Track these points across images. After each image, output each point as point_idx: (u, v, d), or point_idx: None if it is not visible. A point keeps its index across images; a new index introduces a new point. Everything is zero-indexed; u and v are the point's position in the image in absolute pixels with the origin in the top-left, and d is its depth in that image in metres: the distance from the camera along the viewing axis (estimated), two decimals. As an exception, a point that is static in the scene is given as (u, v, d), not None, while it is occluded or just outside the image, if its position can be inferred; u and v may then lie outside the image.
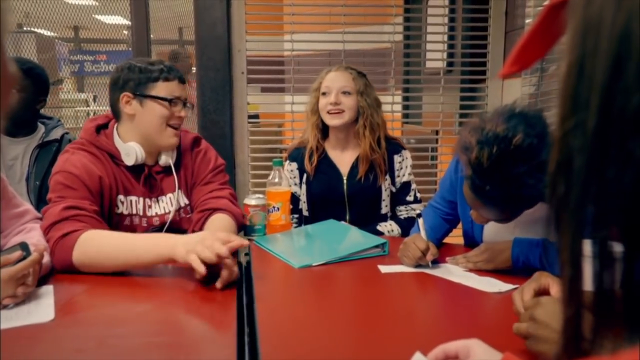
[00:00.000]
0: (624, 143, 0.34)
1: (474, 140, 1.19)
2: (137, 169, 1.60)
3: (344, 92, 1.93)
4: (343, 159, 2.01)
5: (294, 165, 2.04)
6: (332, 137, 2.02)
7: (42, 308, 1.13)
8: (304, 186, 2.02)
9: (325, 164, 2.01)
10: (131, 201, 1.60)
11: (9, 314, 1.09)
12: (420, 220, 1.49)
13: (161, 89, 1.56)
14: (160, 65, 1.58)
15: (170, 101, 1.57)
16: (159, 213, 1.63)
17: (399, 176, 2.01)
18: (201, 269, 1.19)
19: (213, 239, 1.25)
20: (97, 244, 1.35)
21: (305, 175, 2.01)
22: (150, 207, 1.62)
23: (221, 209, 1.59)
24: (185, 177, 1.68)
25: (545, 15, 0.45)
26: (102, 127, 1.63)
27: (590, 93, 0.36)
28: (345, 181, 1.99)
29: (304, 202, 2.03)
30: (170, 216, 1.62)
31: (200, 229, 1.56)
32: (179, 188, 1.66)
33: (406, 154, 2.03)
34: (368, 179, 1.96)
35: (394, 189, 2.01)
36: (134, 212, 1.60)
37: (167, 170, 1.65)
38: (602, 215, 0.37)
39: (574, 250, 0.39)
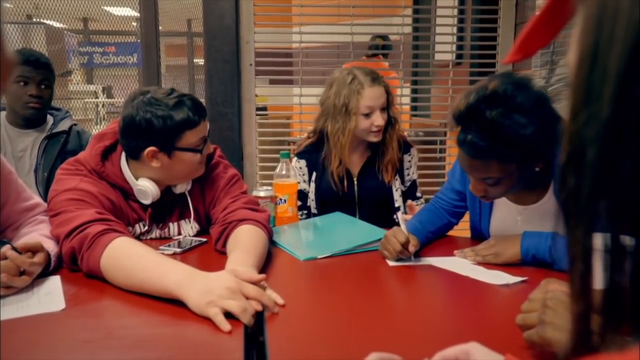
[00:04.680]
0: (638, 135, 0.34)
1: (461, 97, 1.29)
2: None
3: (383, 109, 1.87)
4: (353, 160, 1.98)
5: (303, 162, 2.00)
6: None
7: (52, 298, 1.14)
8: (312, 184, 1.99)
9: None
10: (134, 233, 1.51)
11: (20, 304, 1.10)
12: (400, 214, 1.49)
13: (189, 137, 1.42)
14: (183, 108, 1.39)
15: (201, 150, 1.46)
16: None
17: (408, 174, 2.00)
18: (226, 328, 0.98)
19: (240, 286, 1.06)
20: (125, 253, 1.21)
21: (315, 174, 1.98)
22: (155, 237, 1.55)
23: (243, 219, 1.45)
24: (196, 204, 1.59)
25: (551, 3, 0.44)
26: (109, 149, 1.48)
27: (603, 83, 0.35)
28: (356, 182, 1.97)
29: (313, 200, 2.00)
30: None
31: (223, 245, 1.43)
32: (191, 217, 1.57)
33: (414, 151, 2.02)
34: (378, 179, 1.95)
35: (403, 188, 2.00)
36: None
37: (177, 197, 1.56)
38: (614, 208, 0.37)
39: (585, 244, 0.38)
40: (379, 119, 1.84)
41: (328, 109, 1.90)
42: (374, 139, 1.88)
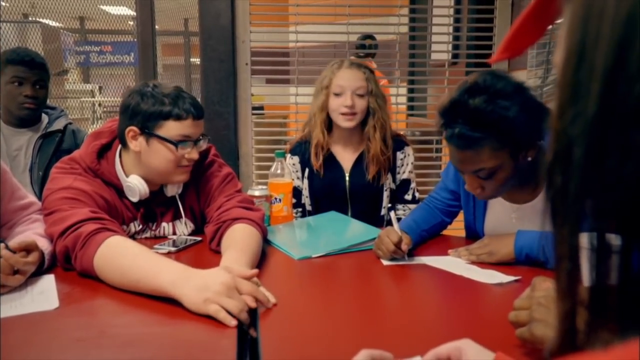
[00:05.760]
0: (625, 133, 0.33)
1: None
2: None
3: (358, 95, 1.87)
4: (346, 156, 1.99)
5: (296, 159, 2.01)
6: (336, 133, 1.98)
7: (46, 296, 1.14)
8: (306, 180, 2.00)
9: (329, 160, 1.98)
10: (129, 232, 1.51)
11: (14, 302, 1.10)
12: (392, 214, 1.50)
13: (170, 128, 1.41)
14: (173, 99, 1.42)
15: (177, 144, 1.42)
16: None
17: (399, 173, 1.99)
18: (232, 323, 1.00)
19: (235, 282, 1.06)
20: (119, 252, 1.21)
21: (307, 170, 1.99)
22: (148, 237, 1.55)
23: (237, 218, 1.45)
24: (191, 203, 1.59)
25: (537, 1, 0.44)
26: (105, 148, 1.49)
27: (590, 80, 0.35)
28: (347, 178, 1.97)
29: (307, 196, 2.01)
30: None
31: (218, 244, 1.44)
32: (185, 216, 1.57)
33: (409, 150, 2.01)
34: (367, 176, 1.95)
35: (393, 186, 1.99)
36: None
37: (171, 198, 1.56)
38: (601, 207, 0.37)
39: (572, 243, 0.38)
40: (347, 100, 1.85)
41: (314, 90, 1.97)
42: (344, 123, 1.89)
